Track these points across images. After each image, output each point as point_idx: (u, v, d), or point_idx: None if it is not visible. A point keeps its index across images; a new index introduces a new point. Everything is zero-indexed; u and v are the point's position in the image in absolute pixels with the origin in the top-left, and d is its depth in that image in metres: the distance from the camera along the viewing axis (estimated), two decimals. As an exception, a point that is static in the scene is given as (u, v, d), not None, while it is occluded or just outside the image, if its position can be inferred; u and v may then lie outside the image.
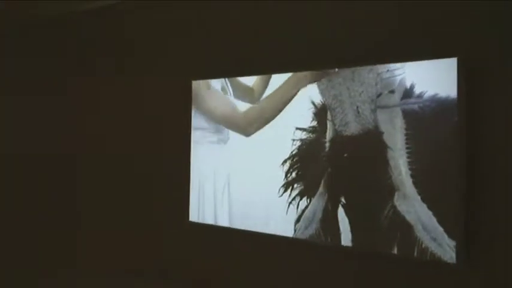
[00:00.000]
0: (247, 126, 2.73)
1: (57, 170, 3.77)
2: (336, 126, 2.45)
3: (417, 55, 2.19)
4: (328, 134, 2.47)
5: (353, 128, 2.40)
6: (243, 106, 2.77)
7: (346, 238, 2.40)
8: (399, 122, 2.25)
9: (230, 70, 2.82)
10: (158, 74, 3.21)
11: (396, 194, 2.26)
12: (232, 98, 2.81)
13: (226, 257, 2.85)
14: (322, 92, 2.49)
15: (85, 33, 3.60)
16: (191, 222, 2.94)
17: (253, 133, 2.71)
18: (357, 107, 2.38)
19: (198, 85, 2.92)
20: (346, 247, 2.39)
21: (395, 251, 2.25)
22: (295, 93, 2.55)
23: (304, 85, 2.52)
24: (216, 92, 2.85)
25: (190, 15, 3.03)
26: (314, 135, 2.52)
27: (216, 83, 2.87)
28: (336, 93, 2.44)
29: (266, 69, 2.68)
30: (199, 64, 3.00)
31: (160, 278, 3.12)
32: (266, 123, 2.67)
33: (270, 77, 2.66)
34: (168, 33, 3.15)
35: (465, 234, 2.05)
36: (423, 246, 2.17)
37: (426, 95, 2.16)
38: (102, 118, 3.52)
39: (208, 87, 2.87)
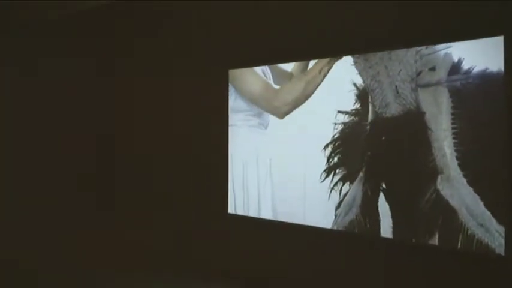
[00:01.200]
0: (282, 106, 2.69)
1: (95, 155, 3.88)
2: (376, 108, 2.34)
3: (463, 34, 2.04)
4: (370, 117, 2.37)
5: (393, 109, 2.28)
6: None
7: (386, 224, 2.29)
8: (445, 101, 2.11)
9: (265, 58, 2.77)
10: (197, 65, 3.21)
11: (439, 177, 2.12)
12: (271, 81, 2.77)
13: (268, 250, 2.81)
14: (360, 73, 2.39)
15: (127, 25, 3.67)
16: (230, 214, 2.93)
17: (287, 113, 2.65)
18: (396, 87, 2.25)
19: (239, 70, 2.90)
20: (387, 239, 2.28)
21: (436, 237, 2.12)
22: (329, 68, 2.47)
23: (339, 58, 2.44)
24: (255, 73, 2.82)
25: (226, 7, 3.01)
26: (356, 118, 2.42)
27: (257, 70, 2.83)
28: (374, 73, 2.33)
29: (301, 56, 2.61)
30: (236, 54, 2.97)
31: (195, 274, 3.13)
32: (300, 102, 2.61)
33: (308, 62, 2.59)
34: (206, 24, 3.14)
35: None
36: (469, 232, 2.02)
37: (475, 71, 2.01)
38: (143, 109, 3.58)
39: (250, 70, 2.84)
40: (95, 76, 3.92)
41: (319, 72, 2.51)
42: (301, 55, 2.62)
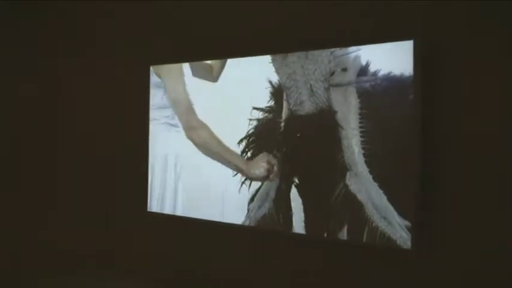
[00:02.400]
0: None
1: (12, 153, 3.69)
2: (291, 106, 2.42)
3: (373, 38, 2.15)
4: (284, 114, 2.45)
5: (307, 108, 2.37)
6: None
7: (298, 218, 2.39)
8: (353, 101, 2.23)
9: (187, 55, 2.77)
10: (117, 60, 3.14)
11: (348, 173, 2.24)
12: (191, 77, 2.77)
13: (183, 247, 2.81)
14: (277, 71, 2.46)
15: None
16: (150, 212, 2.90)
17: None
18: (311, 86, 2.35)
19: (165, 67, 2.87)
20: (300, 234, 2.37)
21: (345, 230, 2.24)
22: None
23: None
24: (179, 79, 2.81)
25: (149, 6, 2.97)
26: (271, 115, 2.49)
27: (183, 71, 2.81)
28: (290, 71, 2.41)
29: (224, 53, 2.64)
30: (157, 49, 2.94)
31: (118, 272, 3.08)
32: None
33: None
34: (127, 21, 3.08)
35: (419, 215, 2.03)
36: (373, 225, 2.16)
37: (381, 73, 2.14)
38: (59, 104, 3.45)
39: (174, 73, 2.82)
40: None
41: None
42: (221, 53, 2.64)
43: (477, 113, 1.91)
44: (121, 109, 3.11)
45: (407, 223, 2.05)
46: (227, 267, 2.63)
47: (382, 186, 2.15)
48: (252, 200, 2.54)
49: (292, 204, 2.40)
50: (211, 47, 2.72)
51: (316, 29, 2.35)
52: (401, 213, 2.07)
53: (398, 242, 2.07)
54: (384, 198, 2.14)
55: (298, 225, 2.37)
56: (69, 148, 3.38)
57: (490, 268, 1.87)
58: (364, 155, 2.20)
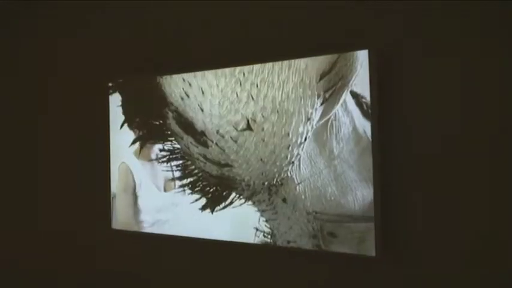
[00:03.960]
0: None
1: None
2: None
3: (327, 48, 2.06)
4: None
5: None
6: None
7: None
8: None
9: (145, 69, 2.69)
10: (75, 75, 3.03)
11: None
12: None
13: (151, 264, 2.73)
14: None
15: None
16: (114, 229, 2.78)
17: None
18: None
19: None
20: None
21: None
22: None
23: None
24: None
25: (102, 14, 2.88)
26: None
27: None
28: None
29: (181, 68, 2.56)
30: (115, 64, 2.84)
31: None
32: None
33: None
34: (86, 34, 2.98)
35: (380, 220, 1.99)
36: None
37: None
38: (16, 121, 3.33)
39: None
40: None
41: None
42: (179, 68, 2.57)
43: (434, 120, 1.88)
44: (83, 124, 3.01)
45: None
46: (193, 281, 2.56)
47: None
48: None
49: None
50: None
51: (276, 40, 2.29)
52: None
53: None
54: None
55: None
56: (41, 168, 3.27)
57: (458, 272, 1.85)
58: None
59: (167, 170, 2.46)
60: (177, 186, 2.43)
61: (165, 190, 2.47)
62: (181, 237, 2.43)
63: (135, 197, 2.58)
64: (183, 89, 2.37)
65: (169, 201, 2.46)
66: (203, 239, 2.36)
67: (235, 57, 2.33)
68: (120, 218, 2.64)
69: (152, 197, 2.52)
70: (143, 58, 2.68)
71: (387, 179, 1.93)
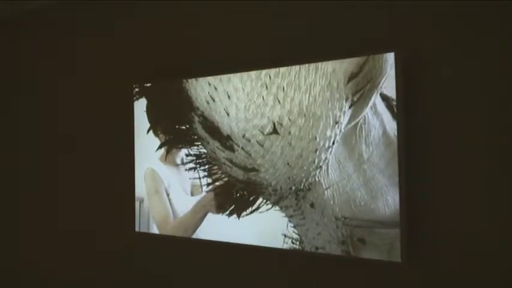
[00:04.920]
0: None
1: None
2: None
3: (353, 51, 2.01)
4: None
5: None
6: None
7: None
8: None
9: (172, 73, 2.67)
10: (100, 79, 3.04)
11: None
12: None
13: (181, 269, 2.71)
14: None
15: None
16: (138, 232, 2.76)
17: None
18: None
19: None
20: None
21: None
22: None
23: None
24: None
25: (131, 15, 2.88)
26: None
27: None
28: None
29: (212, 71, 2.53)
30: (140, 68, 2.84)
31: None
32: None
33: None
34: (110, 37, 2.99)
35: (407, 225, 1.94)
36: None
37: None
38: (43, 123, 3.36)
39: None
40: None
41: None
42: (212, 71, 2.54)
43: (462, 123, 1.82)
44: (108, 128, 3.02)
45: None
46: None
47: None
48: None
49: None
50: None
51: (302, 43, 2.26)
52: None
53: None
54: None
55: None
56: (62, 172, 3.29)
57: (484, 274, 1.79)
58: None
59: (194, 177, 2.45)
60: (203, 191, 2.41)
61: (192, 194, 2.46)
62: (206, 240, 2.42)
63: (168, 198, 2.57)
64: (208, 93, 2.35)
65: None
66: (229, 243, 2.34)
67: (260, 61, 2.30)
68: (157, 220, 2.60)
69: (181, 200, 2.50)
70: (168, 62, 2.68)
71: (415, 183, 1.88)
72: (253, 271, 2.39)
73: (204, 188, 2.41)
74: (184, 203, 2.49)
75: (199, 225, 2.44)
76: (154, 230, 2.61)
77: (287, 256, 2.27)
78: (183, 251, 2.65)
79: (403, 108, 1.85)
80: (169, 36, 2.68)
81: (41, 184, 3.39)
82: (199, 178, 2.43)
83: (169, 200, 2.56)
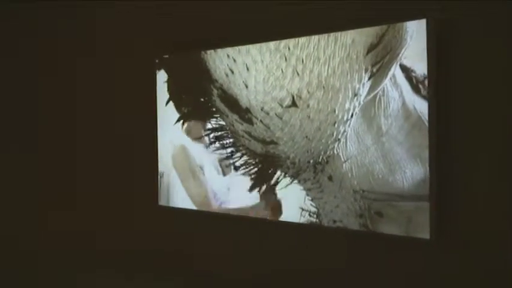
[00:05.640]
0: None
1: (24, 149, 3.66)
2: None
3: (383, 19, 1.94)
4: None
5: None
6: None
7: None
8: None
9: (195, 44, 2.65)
10: (121, 54, 3.04)
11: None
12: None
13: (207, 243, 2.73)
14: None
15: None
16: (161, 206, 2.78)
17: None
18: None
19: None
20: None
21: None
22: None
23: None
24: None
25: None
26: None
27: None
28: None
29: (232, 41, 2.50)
30: (162, 41, 2.82)
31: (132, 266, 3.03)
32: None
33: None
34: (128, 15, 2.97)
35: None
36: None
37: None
38: (66, 103, 3.39)
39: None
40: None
41: None
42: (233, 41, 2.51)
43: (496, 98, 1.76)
44: (130, 104, 3.03)
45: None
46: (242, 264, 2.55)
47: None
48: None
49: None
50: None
51: (322, 12, 2.21)
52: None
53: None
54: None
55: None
56: (84, 146, 3.33)
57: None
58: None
59: (222, 154, 2.44)
60: (231, 168, 2.41)
61: (224, 174, 2.44)
62: (228, 215, 2.43)
63: (203, 175, 2.56)
64: (227, 65, 2.34)
65: (225, 183, 2.45)
66: (247, 217, 2.35)
67: (280, 31, 2.26)
68: (198, 202, 2.59)
69: (217, 181, 2.50)
70: (188, 33, 2.65)
71: (441, 157, 1.83)
72: (270, 244, 2.40)
73: (226, 162, 2.40)
74: (220, 184, 2.48)
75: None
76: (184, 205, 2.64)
77: (307, 230, 2.26)
78: (203, 223, 2.67)
79: (434, 78, 1.79)
80: (188, 7, 2.65)
81: (62, 160, 3.44)
82: (228, 156, 2.41)
83: (207, 180, 2.55)
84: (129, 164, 3.04)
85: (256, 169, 2.29)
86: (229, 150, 2.39)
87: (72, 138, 3.38)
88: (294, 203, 2.16)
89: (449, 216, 1.83)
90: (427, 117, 1.78)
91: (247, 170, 2.33)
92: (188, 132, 2.55)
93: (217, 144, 2.44)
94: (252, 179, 2.31)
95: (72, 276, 2.94)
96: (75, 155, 3.37)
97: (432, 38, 1.77)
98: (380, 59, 1.87)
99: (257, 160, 2.28)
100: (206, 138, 2.48)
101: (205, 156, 2.51)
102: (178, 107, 2.59)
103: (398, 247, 1.97)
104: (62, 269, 3.08)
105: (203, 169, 2.53)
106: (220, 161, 2.44)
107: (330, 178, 2.05)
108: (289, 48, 2.13)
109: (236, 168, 2.37)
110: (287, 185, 2.19)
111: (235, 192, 2.40)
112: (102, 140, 3.19)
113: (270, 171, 2.24)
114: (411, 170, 1.81)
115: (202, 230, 2.68)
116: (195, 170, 2.57)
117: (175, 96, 2.60)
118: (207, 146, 2.48)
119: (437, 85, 1.80)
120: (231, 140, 2.38)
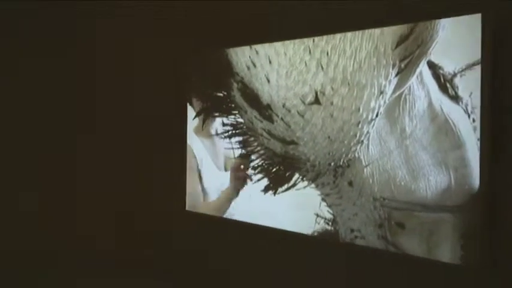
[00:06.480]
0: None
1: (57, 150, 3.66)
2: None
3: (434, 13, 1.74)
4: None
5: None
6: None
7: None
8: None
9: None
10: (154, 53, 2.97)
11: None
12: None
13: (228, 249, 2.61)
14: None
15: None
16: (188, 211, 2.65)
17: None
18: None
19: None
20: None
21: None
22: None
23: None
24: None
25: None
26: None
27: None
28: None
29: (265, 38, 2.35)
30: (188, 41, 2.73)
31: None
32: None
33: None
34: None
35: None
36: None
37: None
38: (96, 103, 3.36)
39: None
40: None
41: None
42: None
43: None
44: (156, 104, 2.95)
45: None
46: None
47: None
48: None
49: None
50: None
51: (370, 6, 2.01)
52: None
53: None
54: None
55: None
56: (105, 145, 3.29)
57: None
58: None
59: (229, 148, 2.32)
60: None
61: (225, 169, 2.33)
62: (240, 222, 2.29)
63: (199, 175, 2.47)
64: (249, 57, 2.20)
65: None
66: (262, 226, 2.20)
67: (308, 27, 2.11)
68: (188, 200, 2.52)
69: (212, 177, 2.39)
70: (211, 28, 2.55)
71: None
72: (284, 253, 2.24)
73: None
74: (215, 180, 2.38)
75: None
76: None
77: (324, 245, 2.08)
78: (218, 230, 2.54)
79: (490, 78, 1.56)
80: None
81: (82, 155, 3.42)
82: (233, 150, 2.29)
83: (201, 177, 2.45)
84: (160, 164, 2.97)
85: (274, 170, 2.14)
86: (248, 149, 2.25)
87: (106, 139, 3.35)
88: (310, 208, 1.99)
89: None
90: (454, 120, 1.57)
91: (264, 171, 2.19)
92: (202, 129, 2.44)
93: (229, 142, 2.31)
94: (268, 179, 2.17)
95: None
96: (111, 156, 3.33)
97: (488, 34, 1.54)
98: (409, 53, 1.68)
99: (275, 161, 2.13)
100: (217, 134, 2.36)
101: (209, 152, 2.42)
102: (192, 104, 2.49)
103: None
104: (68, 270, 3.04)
105: (201, 165, 2.45)
106: (227, 158, 2.32)
107: (350, 183, 1.87)
108: (313, 40, 1.97)
109: (253, 169, 2.23)
110: (304, 187, 2.03)
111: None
112: (125, 138, 3.14)
113: (287, 175, 2.09)
114: (435, 178, 1.61)
115: (217, 235, 2.56)
116: (191, 167, 2.50)
117: (192, 91, 2.50)
118: (215, 143, 2.37)
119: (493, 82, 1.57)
120: (246, 138, 2.24)
